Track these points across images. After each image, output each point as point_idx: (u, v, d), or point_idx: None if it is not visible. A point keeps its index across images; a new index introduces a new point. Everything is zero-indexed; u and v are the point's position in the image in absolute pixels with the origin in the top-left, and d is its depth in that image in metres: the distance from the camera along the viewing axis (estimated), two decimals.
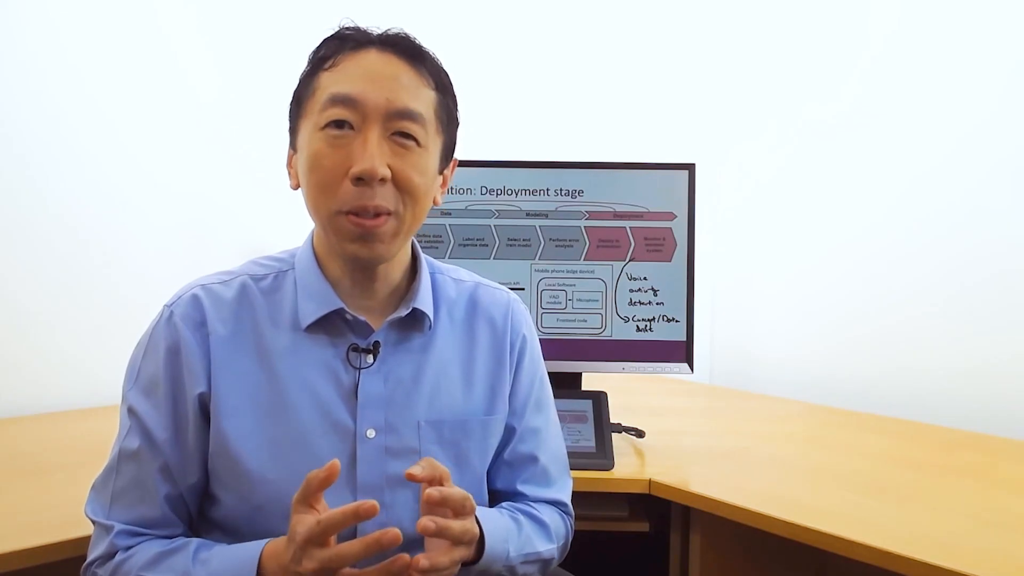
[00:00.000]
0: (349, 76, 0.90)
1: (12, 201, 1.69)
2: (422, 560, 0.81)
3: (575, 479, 1.15)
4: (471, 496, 0.87)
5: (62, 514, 1.09)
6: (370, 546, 0.77)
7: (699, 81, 2.49)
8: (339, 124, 0.89)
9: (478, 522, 0.91)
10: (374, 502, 0.78)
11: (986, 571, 0.97)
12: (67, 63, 1.75)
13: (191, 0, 1.93)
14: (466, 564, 0.92)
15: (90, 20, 1.77)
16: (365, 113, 0.89)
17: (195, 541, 0.90)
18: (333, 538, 0.79)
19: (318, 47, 0.95)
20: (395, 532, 0.76)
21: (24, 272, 1.71)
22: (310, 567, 0.78)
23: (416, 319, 0.99)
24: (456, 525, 0.84)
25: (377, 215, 0.89)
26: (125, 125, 1.84)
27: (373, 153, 0.88)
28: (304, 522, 0.79)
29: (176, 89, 1.90)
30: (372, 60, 0.91)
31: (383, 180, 0.88)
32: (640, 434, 1.55)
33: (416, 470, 0.84)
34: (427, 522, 0.82)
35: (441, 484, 0.85)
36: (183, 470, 0.91)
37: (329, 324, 0.95)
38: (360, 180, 0.88)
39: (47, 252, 1.73)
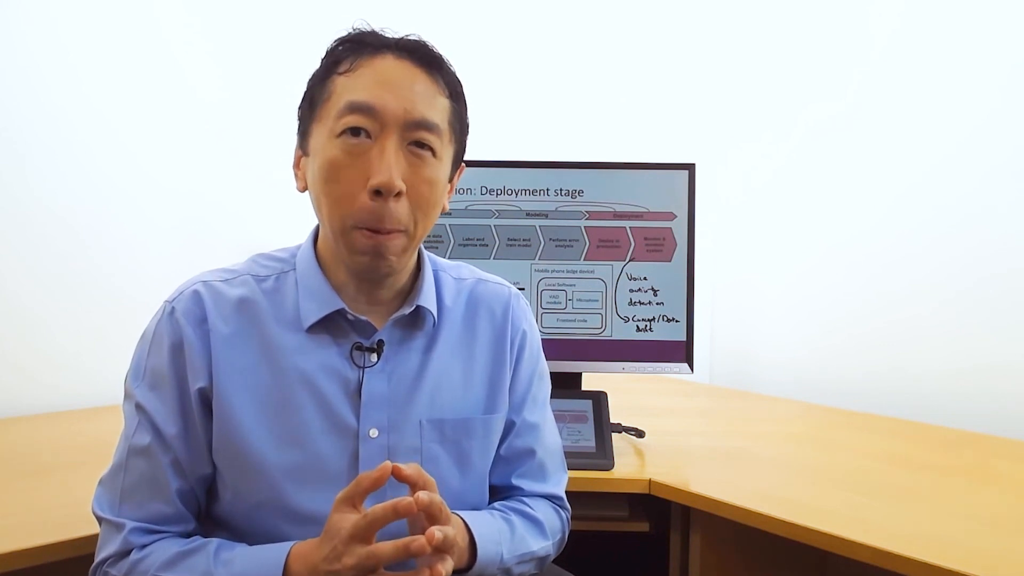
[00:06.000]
0: (366, 82, 0.89)
1: (12, 201, 1.69)
2: (439, 567, 0.82)
3: (575, 479, 1.15)
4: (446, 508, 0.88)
5: (62, 514, 1.09)
6: (399, 550, 0.79)
7: (699, 81, 2.49)
8: (355, 132, 0.88)
9: (469, 529, 0.92)
10: (410, 499, 0.80)
11: (986, 571, 0.97)
12: (67, 63, 1.75)
13: (191, 0, 1.93)
14: (461, 571, 0.92)
15: (90, 20, 1.77)
16: (383, 122, 0.88)
17: (214, 541, 0.89)
18: (373, 536, 0.81)
19: (332, 49, 0.93)
20: (422, 541, 0.79)
21: (24, 272, 1.71)
22: (350, 563, 0.79)
23: (419, 317, 0.99)
24: (449, 530, 0.85)
25: (390, 231, 0.89)
26: (125, 125, 1.83)
27: (391, 164, 0.87)
28: (348, 519, 0.80)
29: (176, 89, 1.90)
30: (389, 66, 0.90)
31: (399, 194, 0.88)
32: (640, 434, 1.55)
33: (408, 470, 0.84)
34: (436, 532, 0.82)
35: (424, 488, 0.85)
36: (193, 464, 0.91)
37: (332, 324, 0.95)
38: (377, 193, 0.87)
39: (47, 252, 1.73)
